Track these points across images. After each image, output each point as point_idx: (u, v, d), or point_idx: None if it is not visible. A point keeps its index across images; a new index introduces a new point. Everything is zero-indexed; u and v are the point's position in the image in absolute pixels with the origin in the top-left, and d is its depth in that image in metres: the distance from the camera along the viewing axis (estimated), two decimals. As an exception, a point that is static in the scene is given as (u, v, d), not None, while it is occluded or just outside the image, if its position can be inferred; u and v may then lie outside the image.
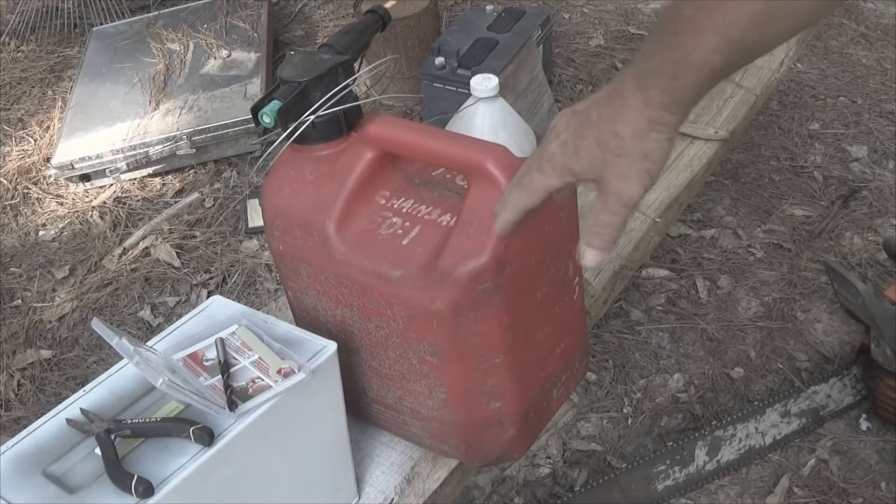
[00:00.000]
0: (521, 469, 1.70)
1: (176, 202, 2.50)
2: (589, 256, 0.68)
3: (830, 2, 0.57)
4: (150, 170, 2.61)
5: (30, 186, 2.63)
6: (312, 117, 0.85)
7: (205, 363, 0.83)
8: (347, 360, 0.91)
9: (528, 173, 0.69)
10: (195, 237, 2.37)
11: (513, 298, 0.83)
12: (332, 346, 0.84)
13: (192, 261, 2.31)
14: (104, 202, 2.54)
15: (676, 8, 0.58)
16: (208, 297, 2.09)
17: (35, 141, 2.82)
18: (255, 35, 3.01)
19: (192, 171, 2.62)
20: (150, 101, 2.75)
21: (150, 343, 0.86)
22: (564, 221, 0.89)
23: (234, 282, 2.22)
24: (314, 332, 0.86)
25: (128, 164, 2.56)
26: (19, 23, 3.36)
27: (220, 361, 0.82)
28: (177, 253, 2.32)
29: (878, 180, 2.28)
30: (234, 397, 0.78)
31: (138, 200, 2.54)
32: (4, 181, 2.64)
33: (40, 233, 2.47)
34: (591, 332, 1.80)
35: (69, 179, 2.59)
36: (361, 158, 0.87)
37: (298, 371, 0.80)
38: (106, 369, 0.84)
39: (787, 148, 2.43)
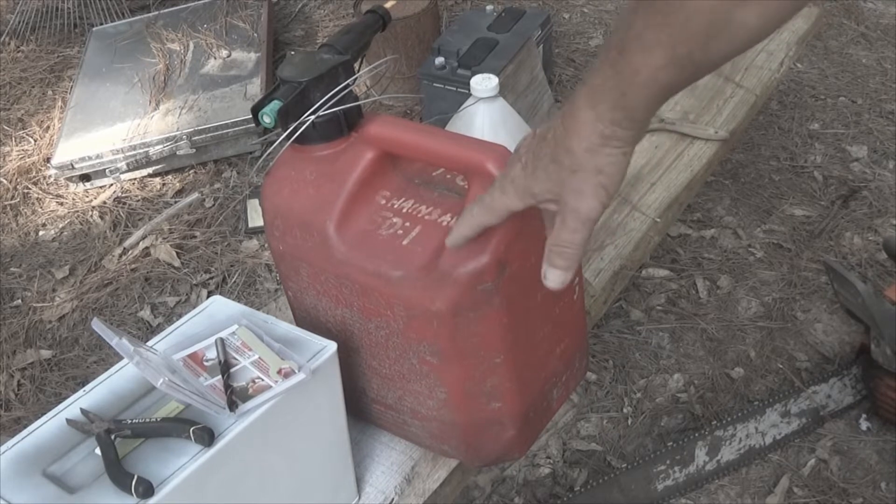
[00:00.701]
0: (521, 469, 1.70)
1: (176, 202, 2.50)
2: (552, 277, 0.67)
3: (777, 19, 0.57)
4: (150, 170, 2.61)
5: (30, 186, 2.63)
6: (312, 117, 0.85)
7: (205, 363, 0.83)
8: (347, 361, 0.91)
9: (492, 193, 0.70)
10: (195, 237, 2.37)
11: (513, 299, 0.83)
12: (332, 347, 0.84)
13: (192, 261, 2.31)
14: (104, 202, 2.54)
15: (625, 25, 0.58)
16: (208, 297, 2.09)
17: (35, 141, 2.82)
18: (255, 35, 3.01)
19: (192, 171, 2.63)
20: (150, 101, 2.75)
21: (150, 343, 0.86)
22: (564, 221, 0.89)
23: (234, 282, 2.22)
24: (314, 332, 0.86)
25: (128, 164, 2.56)
26: (19, 23, 3.36)
27: (220, 361, 0.82)
28: (177, 253, 2.32)
29: (878, 180, 2.28)
30: (235, 397, 0.78)
31: (138, 200, 2.54)
32: (4, 181, 2.64)
33: (40, 233, 2.47)
34: (591, 332, 1.80)
35: (69, 179, 2.59)
36: (362, 158, 0.87)
37: (298, 371, 0.80)
38: (106, 369, 0.84)
39: (787, 148, 2.43)
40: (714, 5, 0.54)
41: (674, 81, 0.59)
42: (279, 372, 0.80)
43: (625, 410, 1.80)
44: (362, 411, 0.99)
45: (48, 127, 2.87)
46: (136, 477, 0.70)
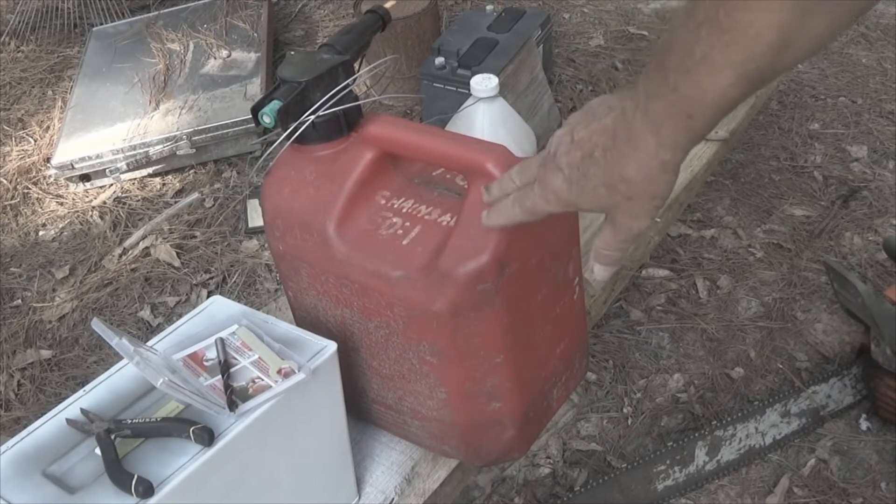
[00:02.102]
0: (521, 469, 1.70)
1: (176, 202, 2.50)
2: (599, 272, 0.70)
3: (845, 24, 0.56)
4: (150, 170, 2.61)
5: (30, 186, 2.63)
6: (312, 117, 0.85)
7: (205, 363, 0.83)
8: (347, 361, 0.91)
9: (533, 199, 0.70)
10: (195, 237, 2.37)
11: (513, 299, 0.83)
12: (332, 347, 0.84)
13: (192, 261, 2.31)
14: (104, 202, 2.54)
15: (684, 45, 0.56)
16: (208, 297, 2.09)
17: (35, 141, 2.82)
18: (255, 35, 3.01)
19: (192, 171, 2.63)
20: (150, 101, 2.75)
21: (150, 343, 0.86)
22: (565, 222, 0.89)
23: (234, 282, 2.22)
24: (314, 332, 0.86)
25: (128, 164, 2.56)
26: (19, 23, 3.36)
27: (220, 361, 0.82)
28: (177, 253, 2.32)
29: (878, 180, 2.28)
30: (234, 397, 0.78)
31: (138, 200, 2.54)
32: (4, 181, 2.64)
33: (40, 233, 2.47)
34: (591, 332, 1.80)
35: (69, 179, 2.59)
36: (361, 158, 0.87)
37: (298, 371, 0.80)
38: (106, 369, 0.84)
39: (787, 148, 2.43)
40: (783, 19, 0.52)
41: (740, 97, 0.57)
42: (279, 372, 0.80)
43: (625, 410, 1.80)
44: (362, 411, 0.99)
45: (48, 127, 2.87)
46: (136, 477, 0.70)
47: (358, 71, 0.93)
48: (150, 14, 3.24)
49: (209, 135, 2.56)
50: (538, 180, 0.69)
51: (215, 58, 2.94)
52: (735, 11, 0.52)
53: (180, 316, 0.97)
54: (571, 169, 0.65)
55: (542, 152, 0.70)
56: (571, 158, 0.65)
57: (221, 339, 0.85)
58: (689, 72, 0.56)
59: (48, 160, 2.64)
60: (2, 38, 3.37)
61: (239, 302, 0.94)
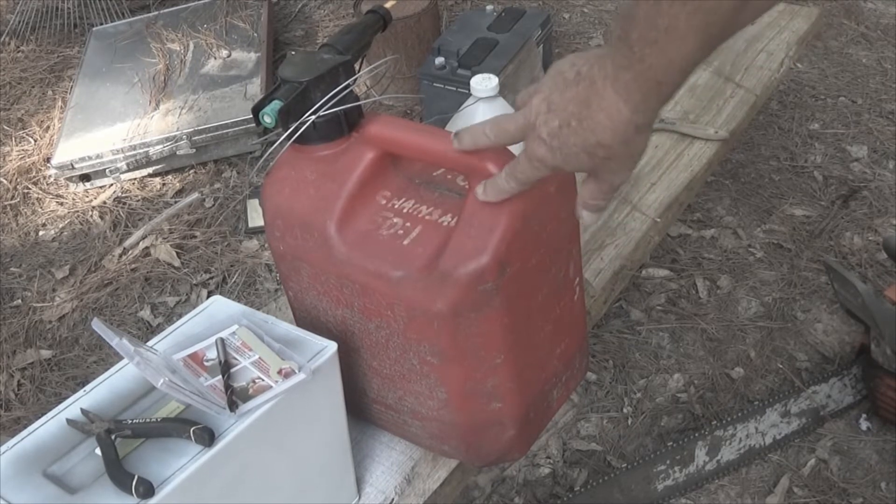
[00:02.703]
0: (521, 469, 1.70)
1: (176, 202, 2.50)
2: (587, 216, 0.76)
3: None
4: (150, 170, 2.61)
5: (30, 186, 2.63)
6: (313, 117, 0.85)
7: (205, 363, 0.83)
8: (348, 361, 0.91)
9: (524, 171, 0.74)
10: (195, 237, 2.37)
11: (513, 299, 0.83)
12: (332, 347, 0.84)
13: (192, 261, 2.31)
14: (104, 202, 2.54)
15: (647, 18, 0.58)
16: (208, 297, 2.09)
17: (35, 141, 2.82)
18: (255, 35, 3.01)
19: (192, 171, 2.62)
20: (150, 101, 2.75)
21: (150, 343, 0.86)
22: (565, 222, 0.89)
23: (234, 282, 2.22)
24: (314, 332, 0.86)
25: (128, 164, 2.56)
26: (19, 23, 3.36)
27: (220, 361, 0.82)
28: (177, 253, 2.32)
29: (878, 180, 2.28)
30: (235, 397, 0.78)
31: (138, 200, 2.54)
32: (4, 181, 2.64)
33: (40, 233, 2.47)
34: (591, 332, 1.80)
35: (69, 179, 2.59)
36: (362, 159, 0.87)
37: (299, 371, 0.80)
38: (106, 369, 0.84)
39: (787, 148, 2.43)
40: None
41: (703, 58, 0.61)
42: (279, 372, 0.80)
43: (625, 410, 1.80)
44: (362, 411, 0.99)
45: (48, 127, 2.87)
46: (136, 477, 0.70)
47: (358, 71, 0.93)
48: (150, 14, 3.24)
49: (209, 135, 2.56)
50: (524, 152, 0.73)
51: (215, 58, 2.94)
52: None
53: (180, 316, 0.97)
54: (552, 138, 0.68)
55: (519, 114, 0.72)
56: (550, 128, 0.68)
57: (222, 340, 0.85)
58: (656, 43, 0.59)
59: (48, 160, 2.64)
60: (2, 38, 3.37)
61: (239, 302, 0.94)
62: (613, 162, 0.68)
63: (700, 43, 0.58)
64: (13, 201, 2.58)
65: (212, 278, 2.24)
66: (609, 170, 0.69)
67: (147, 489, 0.70)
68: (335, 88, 0.86)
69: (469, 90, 1.23)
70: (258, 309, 0.92)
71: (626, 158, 0.68)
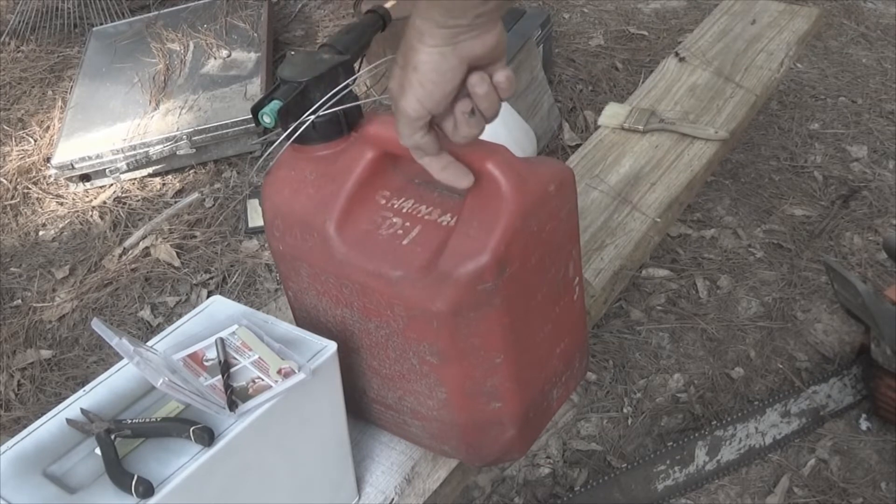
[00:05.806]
0: (521, 469, 1.70)
1: (176, 202, 2.50)
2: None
3: None
4: (150, 170, 2.61)
5: (30, 186, 2.63)
6: (313, 117, 0.85)
7: (205, 363, 0.83)
8: (347, 360, 0.91)
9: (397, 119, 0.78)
10: (195, 237, 2.37)
11: (513, 299, 0.83)
12: (332, 346, 0.84)
13: (192, 261, 2.31)
14: (104, 202, 2.54)
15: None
16: (208, 297, 2.09)
17: (35, 141, 2.82)
18: (255, 35, 3.01)
19: (192, 171, 2.62)
20: (150, 101, 2.75)
21: (150, 343, 0.86)
22: (564, 222, 0.89)
23: (234, 282, 2.22)
24: (314, 332, 0.86)
25: (128, 164, 2.56)
26: (19, 23, 3.36)
27: (220, 361, 0.82)
28: (177, 253, 2.32)
29: (878, 180, 2.28)
30: (235, 397, 0.78)
31: (138, 200, 2.54)
32: (4, 181, 2.65)
33: (40, 233, 2.47)
34: (591, 332, 1.80)
35: (69, 179, 2.59)
36: (362, 158, 0.87)
37: (298, 371, 0.80)
38: (106, 369, 0.84)
39: (787, 148, 2.43)
40: None
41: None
42: (279, 372, 0.80)
43: (625, 410, 1.80)
44: (362, 411, 0.99)
45: (48, 127, 2.87)
46: (136, 477, 0.70)
47: (358, 71, 0.93)
48: (150, 14, 3.24)
49: (209, 135, 2.56)
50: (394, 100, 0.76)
51: (215, 58, 2.94)
52: None
53: (180, 316, 0.97)
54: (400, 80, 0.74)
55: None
56: (397, 75, 0.74)
57: (221, 339, 0.85)
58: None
59: (48, 160, 2.64)
60: (2, 38, 3.37)
61: (239, 302, 0.94)
62: (400, 72, 0.73)
63: None
64: (13, 201, 2.58)
65: (212, 278, 2.24)
66: (400, 87, 0.73)
67: (147, 489, 0.70)
68: (335, 88, 0.86)
69: (469, 90, 1.23)
70: (258, 309, 0.92)
71: (409, 71, 0.72)
